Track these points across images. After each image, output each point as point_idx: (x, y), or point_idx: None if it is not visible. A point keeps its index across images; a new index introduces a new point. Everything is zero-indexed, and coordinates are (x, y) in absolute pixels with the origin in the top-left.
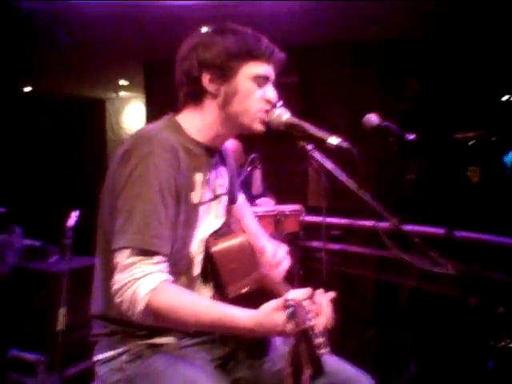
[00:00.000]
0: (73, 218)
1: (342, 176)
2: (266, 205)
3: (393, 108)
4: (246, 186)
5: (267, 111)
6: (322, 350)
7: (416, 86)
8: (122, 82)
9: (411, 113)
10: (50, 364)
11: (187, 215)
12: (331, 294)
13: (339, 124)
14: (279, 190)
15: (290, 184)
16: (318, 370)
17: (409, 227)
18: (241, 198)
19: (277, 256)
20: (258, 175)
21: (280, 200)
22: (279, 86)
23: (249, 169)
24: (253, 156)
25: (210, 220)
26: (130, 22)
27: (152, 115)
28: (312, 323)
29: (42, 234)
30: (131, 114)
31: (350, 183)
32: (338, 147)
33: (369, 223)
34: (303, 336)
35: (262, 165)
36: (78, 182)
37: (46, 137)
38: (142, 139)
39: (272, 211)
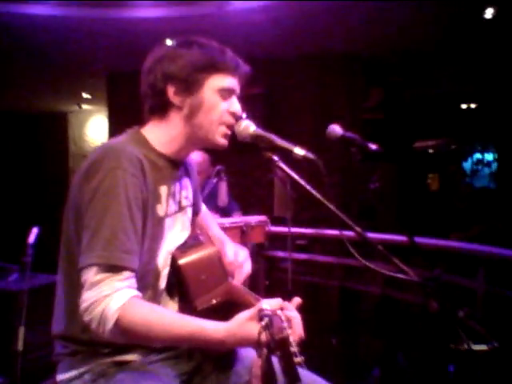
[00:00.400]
0: (33, 234)
1: (307, 186)
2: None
3: (357, 118)
4: (212, 198)
5: (231, 126)
6: (298, 359)
7: (379, 97)
8: (85, 95)
9: (375, 123)
10: None
11: (153, 228)
12: (297, 300)
13: (304, 134)
14: (245, 201)
15: (256, 195)
16: (294, 379)
17: (372, 235)
18: (203, 207)
19: (238, 258)
20: (223, 187)
21: (246, 211)
22: (245, 96)
23: (215, 180)
24: (218, 168)
25: (175, 232)
26: (93, 35)
27: (114, 128)
28: (289, 332)
29: (0, 251)
30: (94, 126)
31: (316, 193)
32: (304, 158)
33: (334, 232)
34: (280, 345)
35: (228, 176)
36: (39, 197)
37: (6, 150)
38: (108, 153)
39: (238, 222)
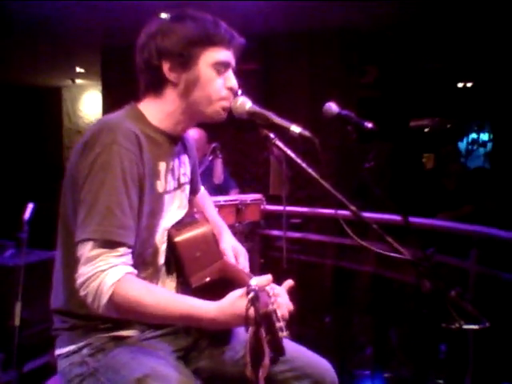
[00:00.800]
0: (28, 210)
1: (303, 164)
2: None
3: (353, 96)
4: (208, 175)
5: (229, 99)
6: (283, 333)
7: (375, 74)
8: (79, 70)
9: (370, 101)
10: (7, 360)
11: (152, 205)
12: (289, 282)
13: (300, 112)
14: (240, 179)
15: (252, 173)
16: (279, 352)
17: (367, 214)
18: (202, 188)
19: (239, 264)
20: (219, 164)
21: (241, 189)
22: (240, 72)
23: (210, 158)
24: (214, 145)
25: (173, 209)
26: (87, 7)
27: (109, 103)
28: (274, 307)
29: None
30: (88, 101)
31: (311, 171)
32: (300, 135)
33: (329, 211)
34: (265, 319)
35: (224, 154)
36: (33, 174)
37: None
38: (104, 128)
39: (233, 200)
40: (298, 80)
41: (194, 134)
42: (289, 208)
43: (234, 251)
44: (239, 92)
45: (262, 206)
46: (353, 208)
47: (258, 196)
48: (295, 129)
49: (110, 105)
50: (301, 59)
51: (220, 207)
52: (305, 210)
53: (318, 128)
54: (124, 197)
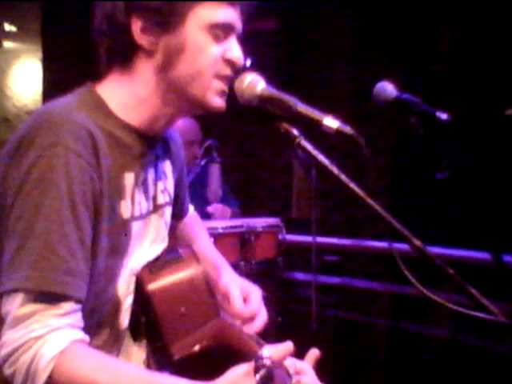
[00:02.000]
0: None
1: (342, 175)
2: (221, 215)
3: (417, 72)
4: (199, 189)
5: (229, 78)
6: None
7: (451, 38)
8: (8, 27)
9: (446, 79)
10: None
11: (114, 237)
12: (316, 353)
13: (337, 94)
14: (248, 194)
15: (265, 186)
16: None
17: (438, 250)
18: (191, 209)
19: (250, 305)
20: (216, 172)
21: (249, 210)
22: (251, 34)
23: (203, 162)
24: (209, 143)
25: (145, 243)
26: None
27: (52, 80)
28: None
29: None
30: (21, 75)
31: (354, 186)
32: (338, 132)
33: (380, 244)
34: None
35: (223, 156)
36: None
37: None
38: (44, 123)
39: (237, 227)
40: (335, 46)
41: (179, 124)
42: (320, 239)
43: (242, 290)
44: (247, 64)
45: (281, 236)
46: (416, 242)
47: (274, 221)
48: (331, 122)
49: (53, 82)
50: (341, 14)
51: (217, 237)
52: (345, 241)
53: (365, 120)
54: (71, 227)
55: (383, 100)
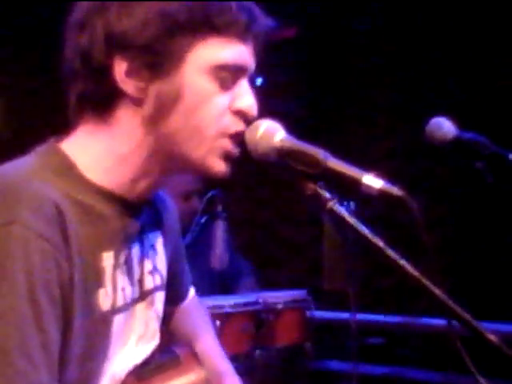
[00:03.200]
0: None
1: (388, 249)
2: None
3: (484, 94)
4: (199, 255)
5: (239, 135)
6: None
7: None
8: None
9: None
10: None
11: (90, 337)
12: None
13: (378, 130)
14: (263, 257)
15: (285, 246)
16: None
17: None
18: (192, 292)
19: None
20: (220, 230)
21: (266, 279)
22: (266, 45)
23: (204, 219)
24: (211, 194)
25: (131, 342)
26: None
27: (7, 126)
28: None
29: None
30: None
31: (404, 263)
32: (381, 193)
33: (435, 322)
34: None
35: (229, 210)
36: None
37: None
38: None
39: (250, 304)
40: (374, 64)
41: None
42: (361, 316)
43: None
44: (258, 81)
45: (309, 314)
46: (491, 336)
47: (299, 294)
48: (371, 181)
49: (8, 129)
50: (378, 19)
51: (225, 318)
52: (392, 319)
53: (415, 163)
54: (31, 329)
55: (439, 139)
